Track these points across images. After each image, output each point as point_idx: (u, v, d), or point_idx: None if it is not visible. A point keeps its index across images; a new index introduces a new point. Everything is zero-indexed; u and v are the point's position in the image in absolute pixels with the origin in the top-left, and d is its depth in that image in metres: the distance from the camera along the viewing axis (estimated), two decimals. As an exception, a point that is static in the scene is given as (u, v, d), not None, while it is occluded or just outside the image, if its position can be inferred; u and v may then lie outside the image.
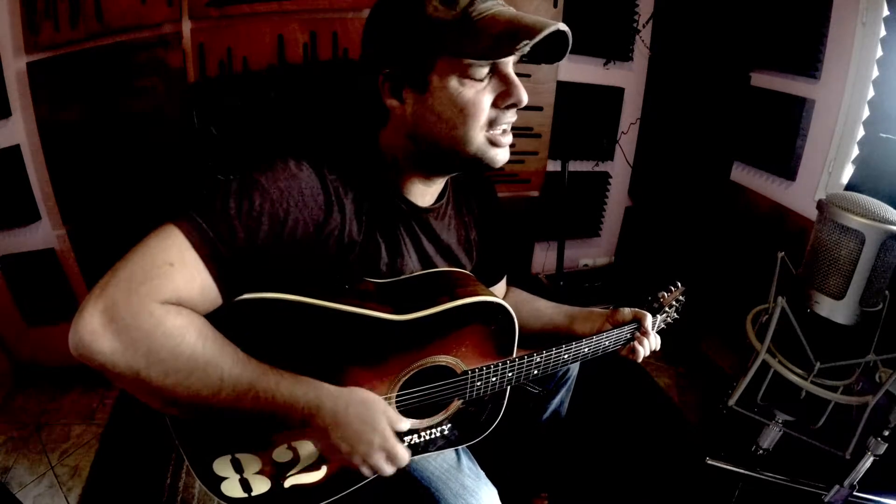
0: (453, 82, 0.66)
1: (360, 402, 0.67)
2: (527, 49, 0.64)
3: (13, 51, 1.42)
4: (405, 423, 0.71)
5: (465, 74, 0.66)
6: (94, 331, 0.53)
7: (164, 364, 0.55)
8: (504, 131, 0.72)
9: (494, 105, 0.69)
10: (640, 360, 0.92)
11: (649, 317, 0.93)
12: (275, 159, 0.67)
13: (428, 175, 0.78)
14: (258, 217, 0.61)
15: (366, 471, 0.69)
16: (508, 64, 0.69)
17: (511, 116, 0.71)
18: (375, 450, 0.67)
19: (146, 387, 0.56)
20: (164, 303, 0.56)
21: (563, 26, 0.64)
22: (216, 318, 0.61)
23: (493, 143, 0.71)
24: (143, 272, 0.56)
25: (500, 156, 0.73)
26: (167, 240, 0.58)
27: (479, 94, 0.67)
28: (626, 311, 0.94)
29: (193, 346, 0.56)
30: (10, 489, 1.36)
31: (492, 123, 0.70)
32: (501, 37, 0.62)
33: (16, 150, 1.52)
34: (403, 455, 0.69)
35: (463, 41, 0.64)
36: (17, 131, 1.51)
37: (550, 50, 0.68)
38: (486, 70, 0.67)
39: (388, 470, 0.69)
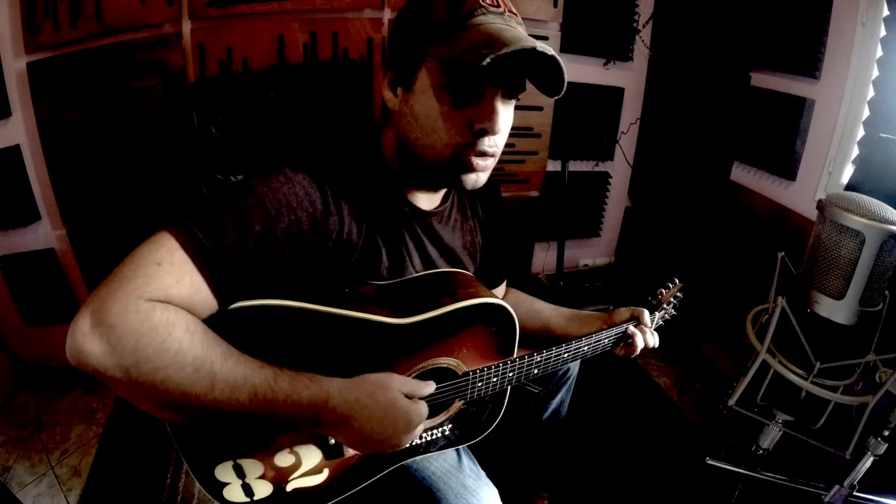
0: (433, 89, 0.65)
1: (371, 385, 0.66)
2: (486, 60, 0.58)
3: (13, 51, 1.42)
4: (429, 387, 0.70)
5: (445, 82, 0.64)
6: (84, 334, 0.52)
7: (151, 361, 0.54)
8: (482, 154, 0.68)
9: (469, 127, 0.66)
10: (636, 353, 0.92)
11: (646, 312, 0.93)
12: (271, 168, 0.66)
13: (418, 182, 0.77)
14: (249, 217, 0.61)
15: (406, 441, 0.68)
16: (497, 92, 0.65)
17: (486, 144, 0.67)
18: (401, 433, 0.66)
19: (139, 389, 0.55)
20: (150, 300, 0.55)
21: (542, 46, 0.59)
22: (213, 326, 0.60)
23: (465, 165, 0.68)
24: (132, 272, 0.56)
25: (471, 180, 0.70)
26: (157, 243, 0.58)
27: (452, 111, 0.65)
28: (623, 311, 0.95)
29: (181, 341, 0.55)
30: (10, 489, 1.36)
31: (463, 146, 0.67)
32: (470, 47, 0.60)
33: (16, 150, 1.52)
34: (424, 412, 0.68)
35: (444, 42, 0.63)
36: (17, 131, 1.51)
37: (548, 78, 0.65)
38: (467, 82, 0.64)
39: (419, 431, 0.68)
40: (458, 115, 0.66)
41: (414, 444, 0.81)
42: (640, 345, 0.91)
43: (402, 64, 0.69)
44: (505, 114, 0.67)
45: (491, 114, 0.65)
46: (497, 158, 0.72)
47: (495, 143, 0.69)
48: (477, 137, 0.67)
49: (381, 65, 1.65)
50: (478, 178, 0.71)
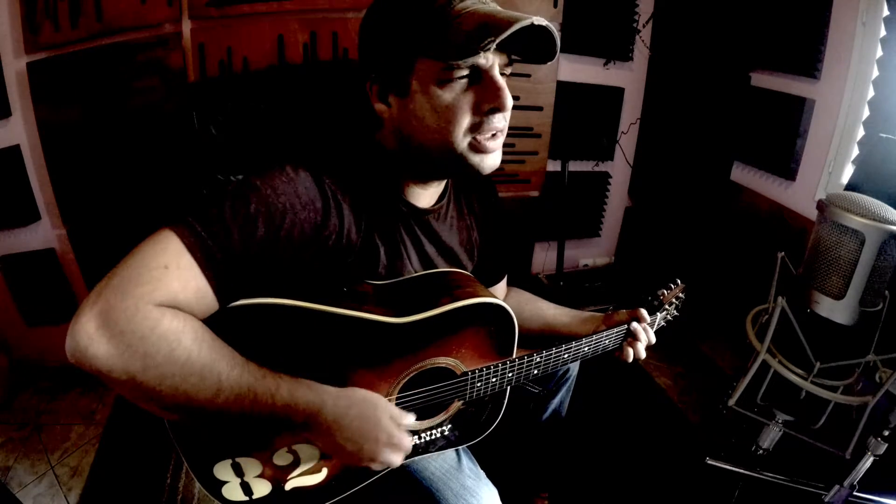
0: (432, 86, 0.65)
1: (361, 401, 0.67)
2: (492, 47, 0.59)
3: (13, 51, 1.42)
4: (409, 417, 0.71)
5: (443, 77, 0.64)
6: (89, 336, 0.52)
7: (160, 368, 0.54)
8: (493, 136, 0.69)
9: (478, 109, 0.66)
10: (641, 353, 0.92)
11: (646, 313, 0.93)
12: (272, 165, 0.66)
13: (423, 178, 0.77)
14: (254, 220, 0.61)
15: (375, 466, 0.69)
16: (494, 66, 0.65)
17: (498, 121, 0.68)
18: (382, 446, 0.67)
19: (143, 392, 0.55)
20: (159, 305, 0.55)
21: (538, 20, 0.60)
22: (213, 324, 0.60)
23: (478, 148, 0.68)
24: (138, 275, 0.55)
25: (487, 161, 0.70)
26: (162, 243, 0.57)
27: (458, 98, 0.65)
28: (623, 313, 0.95)
29: (190, 349, 0.56)
30: (10, 489, 1.36)
31: (475, 128, 0.67)
32: (470, 35, 0.60)
33: (16, 150, 1.52)
34: (408, 445, 0.70)
35: (436, 42, 0.62)
36: (17, 131, 1.51)
37: (540, 48, 0.66)
38: (464, 72, 0.64)
39: (398, 461, 0.69)
40: (464, 103, 0.66)
41: (413, 444, 0.80)
42: (643, 341, 0.91)
43: (389, 73, 0.68)
44: (507, 88, 0.67)
45: (497, 91, 0.65)
46: (504, 135, 0.72)
47: (504, 119, 0.69)
48: (488, 117, 0.67)
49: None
50: (494, 160, 0.71)
